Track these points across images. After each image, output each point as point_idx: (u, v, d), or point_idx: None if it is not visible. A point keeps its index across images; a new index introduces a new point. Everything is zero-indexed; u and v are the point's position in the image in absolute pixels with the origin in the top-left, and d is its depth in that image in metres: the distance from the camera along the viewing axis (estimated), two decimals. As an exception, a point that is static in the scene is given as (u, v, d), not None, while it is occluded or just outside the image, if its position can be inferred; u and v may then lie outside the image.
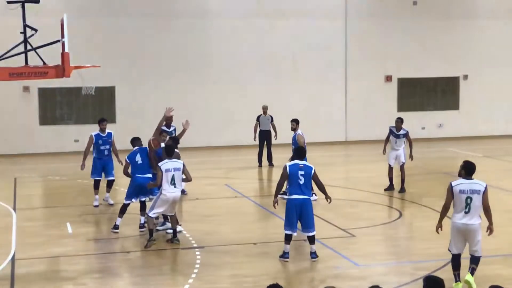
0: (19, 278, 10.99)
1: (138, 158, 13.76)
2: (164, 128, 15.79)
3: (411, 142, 17.65)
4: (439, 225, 10.11)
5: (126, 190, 13.91)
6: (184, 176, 12.59)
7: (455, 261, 10.04)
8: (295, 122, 17.24)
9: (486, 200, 9.84)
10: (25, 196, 18.02)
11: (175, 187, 12.36)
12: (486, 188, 9.88)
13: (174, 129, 17.20)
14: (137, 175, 13.68)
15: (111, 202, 16.23)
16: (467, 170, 9.97)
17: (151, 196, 13.46)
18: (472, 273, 9.91)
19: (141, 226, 13.71)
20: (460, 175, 10.04)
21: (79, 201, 17.13)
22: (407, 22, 28.54)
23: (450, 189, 9.87)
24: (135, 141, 14.21)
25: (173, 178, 12.31)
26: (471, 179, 9.93)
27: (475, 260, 9.99)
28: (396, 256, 12.36)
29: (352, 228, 13.78)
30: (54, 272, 11.54)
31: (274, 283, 5.98)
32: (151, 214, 12.46)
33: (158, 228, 13.47)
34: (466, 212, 9.79)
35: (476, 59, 29.35)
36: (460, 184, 9.84)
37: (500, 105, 29.64)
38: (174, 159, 12.56)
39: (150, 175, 13.66)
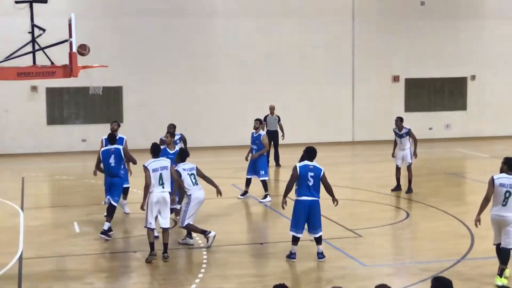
0: (27, 277, 11.03)
1: (112, 160, 13.65)
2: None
3: (416, 139, 17.51)
4: (478, 218, 10.34)
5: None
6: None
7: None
8: (259, 122, 17.19)
9: None
10: (32, 195, 18.07)
11: (163, 187, 11.79)
12: None
13: (179, 138, 16.01)
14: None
15: (127, 211, 15.23)
16: (509, 165, 10.28)
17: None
18: (500, 275, 10.14)
19: (103, 232, 13.26)
20: (502, 171, 10.32)
21: (86, 200, 17.16)
22: (414, 22, 28.45)
23: (492, 181, 10.21)
24: (113, 139, 13.98)
25: (161, 177, 11.76)
26: None
27: (504, 258, 10.18)
28: (403, 257, 12.35)
29: (359, 228, 13.76)
30: (61, 271, 11.58)
31: (280, 283, 5.98)
32: (147, 225, 11.89)
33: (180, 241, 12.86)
34: (503, 205, 10.12)
35: (483, 60, 29.24)
36: (502, 178, 10.19)
37: (508, 105, 29.49)
38: (161, 158, 12.14)
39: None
